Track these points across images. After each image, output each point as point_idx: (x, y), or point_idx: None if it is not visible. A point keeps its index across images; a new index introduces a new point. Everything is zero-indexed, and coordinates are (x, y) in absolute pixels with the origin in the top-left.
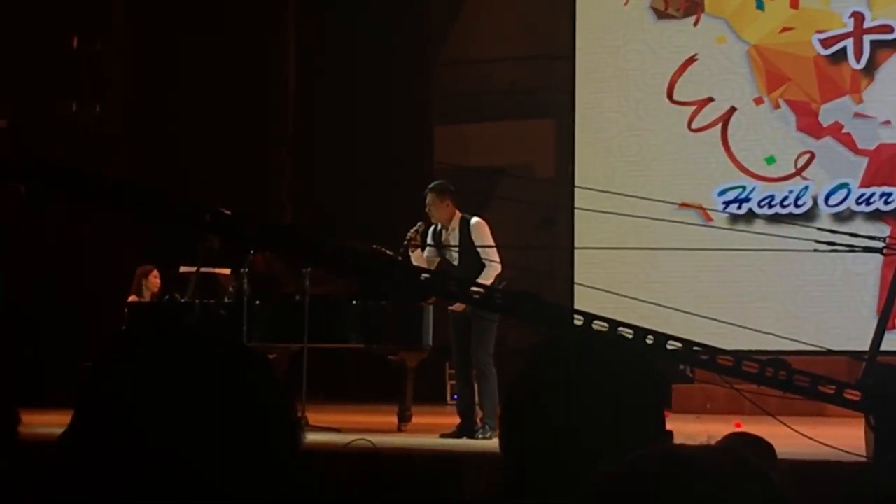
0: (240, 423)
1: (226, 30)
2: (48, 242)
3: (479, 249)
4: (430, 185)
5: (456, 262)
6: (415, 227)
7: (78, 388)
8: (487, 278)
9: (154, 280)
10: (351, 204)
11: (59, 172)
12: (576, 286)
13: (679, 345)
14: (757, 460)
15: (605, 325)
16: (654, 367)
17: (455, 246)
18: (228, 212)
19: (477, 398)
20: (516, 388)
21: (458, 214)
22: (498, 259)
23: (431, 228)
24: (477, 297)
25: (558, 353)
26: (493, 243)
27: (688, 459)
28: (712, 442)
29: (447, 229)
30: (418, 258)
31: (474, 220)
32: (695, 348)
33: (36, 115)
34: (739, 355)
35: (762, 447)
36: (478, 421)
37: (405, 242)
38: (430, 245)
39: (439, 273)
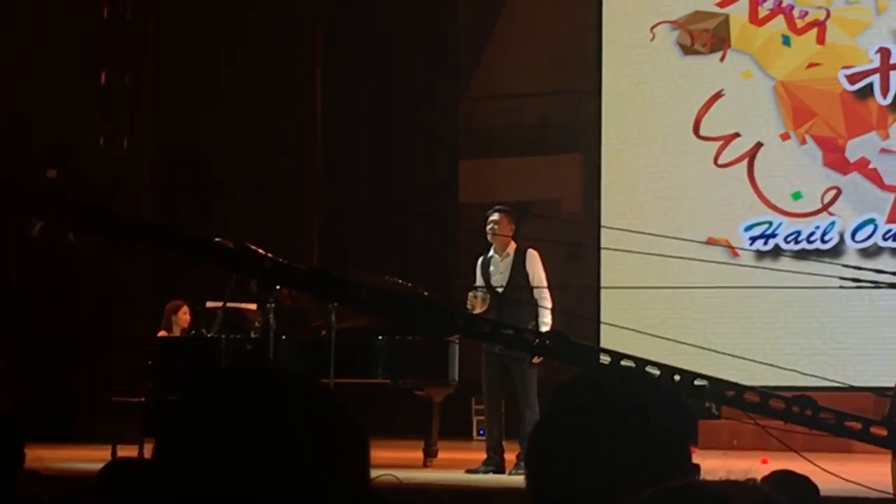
0: (317, 460)
1: (254, 66)
2: (78, 279)
3: (531, 282)
4: (499, 207)
5: (500, 290)
6: (472, 294)
7: (163, 421)
8: (546, 317)
9: (184, 316)
10: (376, 238)
11: (108, 219)
12: (602, 325)
13: (706, 382)
14: (778, 495)
15: (633, 363)
16: (681, 402)
17: (497, 287)
18: (270, 255)
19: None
20: (542, 425)
21: (514, 244)
22: (549, 296)
23: (480, 260)
24: (509, 337)
25: (584, 390)
26: (544, 277)
27: (708, 492)
28: (731, 477)
29: (499, 255)
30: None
31: (531, 251)
32: (722, 386)
33: (66, 150)
34: (766, 393)
35: (807, 486)
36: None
37: (468, 309)
38: (477, 286)
39: (471, 315)
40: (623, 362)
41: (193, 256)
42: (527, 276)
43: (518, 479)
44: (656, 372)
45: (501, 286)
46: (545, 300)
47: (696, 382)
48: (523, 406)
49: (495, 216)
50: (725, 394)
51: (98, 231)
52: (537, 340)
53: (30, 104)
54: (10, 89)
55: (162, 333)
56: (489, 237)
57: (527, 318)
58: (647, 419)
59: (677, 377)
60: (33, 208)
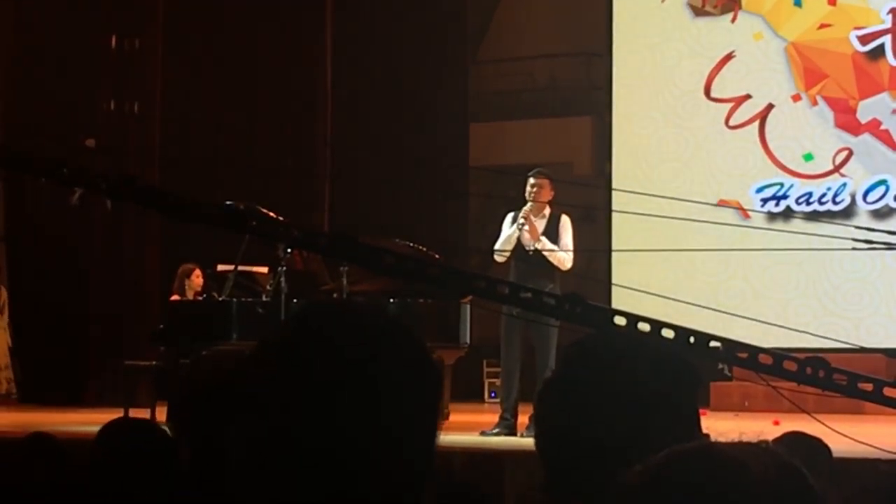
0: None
1: (264, 30)
2: (90, 243)
3: (559, 245)
4: (541, 170)
5: (531, 251)
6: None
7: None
8: (559, 253)
9: (197, 279)
10: (386, 202)
11: (144, 191)
12: (613, 287)
13: (719, 344)
14: (790, 457)
15: (648, 325)
16: (688, 364)
17: (527, 247)
18: (281, 218)
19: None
20: (551, 385)
21: (549, 207)
22: (571, 258)
23: (511, 215)
24: (526, 300)
25: (592, 351)
26: (571, 243)
27: (722, 455)
28: (744, 439)
29: (534, 215)
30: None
31: (565, 216)
32: (734, 347)
33: (75, 114)
34: (778, 354)
35: (819, 448)
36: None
37: (522, 220)
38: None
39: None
40: (639, 325)
41: (224, 227)
42: (557, 239)
43: (531, 441)
44: (671, 333)
45: (531, 246)
46: (568, 261)
47: (711, 344)
48: (542, 369)
49: (538, 180)
50: (738, 355)
51: (135, 201)
52: (554, 303)
53: (40, 70)
54: (20, 56)
55: (175, 297)
56: (528, 199)
57: (547, 280)
58: (654, 380)
59: (692, 339)
60: (74, 179)
